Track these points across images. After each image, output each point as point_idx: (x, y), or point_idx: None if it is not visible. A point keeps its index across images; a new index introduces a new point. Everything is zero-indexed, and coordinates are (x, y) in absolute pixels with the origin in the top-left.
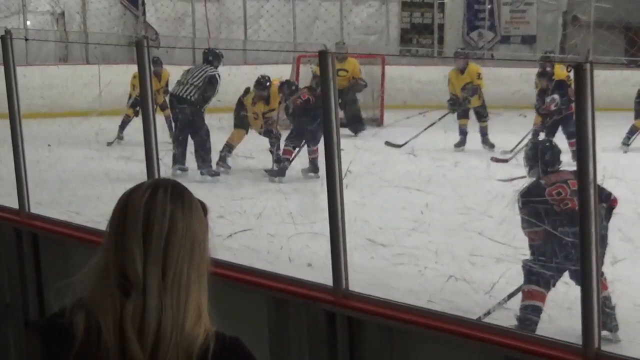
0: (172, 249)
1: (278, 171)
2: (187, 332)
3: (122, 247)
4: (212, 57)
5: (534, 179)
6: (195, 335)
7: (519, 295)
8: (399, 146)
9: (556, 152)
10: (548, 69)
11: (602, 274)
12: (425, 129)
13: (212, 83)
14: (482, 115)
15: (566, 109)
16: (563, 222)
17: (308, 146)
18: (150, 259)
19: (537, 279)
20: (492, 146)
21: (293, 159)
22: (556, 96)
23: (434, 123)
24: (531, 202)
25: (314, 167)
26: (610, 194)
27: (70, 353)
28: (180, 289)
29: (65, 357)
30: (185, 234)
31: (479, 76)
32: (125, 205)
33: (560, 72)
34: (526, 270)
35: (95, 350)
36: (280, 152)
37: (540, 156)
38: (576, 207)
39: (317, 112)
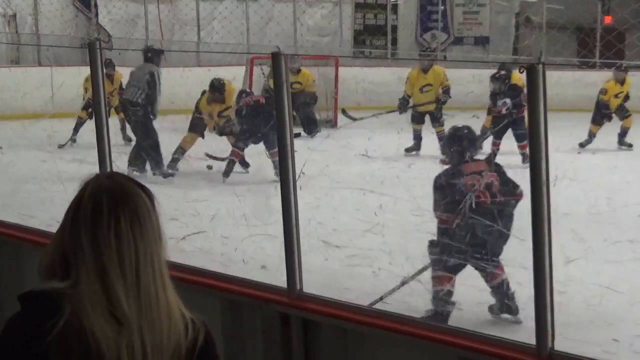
0: (143, 276)
1: (225, 172)
2: (171, 336)
3: (105, 285)
4: (152, 54)
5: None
6: (178, 333)
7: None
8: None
9: (473, 139)
10: (502, 72)
11: (499, 261)
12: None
13: (150, 83)
14: (437, 119)
15: (517, 112)
16: (474, 212)
17: (267, 149)
18: (129, 293)
19: (444, 263)
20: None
21: (249, 162)
22: (508, 100)
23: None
24: (445, 186)
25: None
26: (517, 186)
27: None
28: (153, 311)
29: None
30: (147, 255)
31: (446, 78)
32: (95, 239)
33: (516, 76)
34: (432, 254)
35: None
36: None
37: (458, 143)
38: (488, 200)
39: (269, 113)
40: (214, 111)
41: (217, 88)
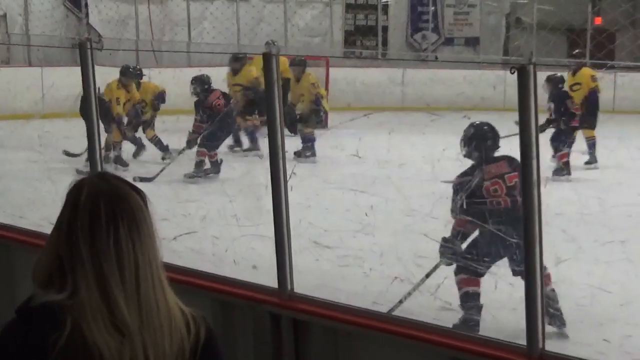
0: (142, 283)
1: (195, 172)
2: (173, 341)
3: (105, 294)
4: None
5: (475, 167)
6: (180, 336)
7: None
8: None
9: (497, 136)
10: (558, 74)
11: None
12: None
13: None
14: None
15: (567, 121)
16: (495, 219)
17: (208, 150)
18: (129, 301)
19: (467, 268)
20: (307, 156)
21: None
22: (552, 104)
23: None
24: (465, 190)
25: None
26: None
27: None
28: (154, 318)
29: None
30: (145, 260)
31: (313, 86)
32: (94, 248)
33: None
34: (447, 252)
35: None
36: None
37: (481, 141)
38: (508, 204)
39: (224, 116)
40: (121, 96)
41: (122, 73)
